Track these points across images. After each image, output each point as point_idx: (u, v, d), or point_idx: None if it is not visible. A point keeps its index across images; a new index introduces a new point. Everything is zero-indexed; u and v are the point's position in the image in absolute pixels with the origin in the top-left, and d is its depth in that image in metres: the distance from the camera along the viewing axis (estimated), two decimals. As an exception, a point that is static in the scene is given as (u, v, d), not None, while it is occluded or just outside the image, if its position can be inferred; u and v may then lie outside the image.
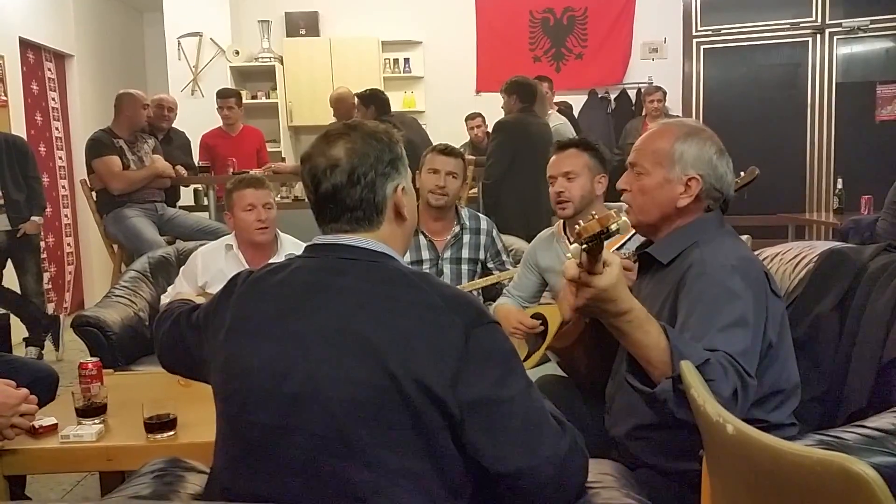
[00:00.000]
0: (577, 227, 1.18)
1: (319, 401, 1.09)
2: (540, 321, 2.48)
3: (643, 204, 1.60)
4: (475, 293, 3.02)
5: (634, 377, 1.35)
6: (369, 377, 1.08)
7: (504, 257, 3.08)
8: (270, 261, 2.72)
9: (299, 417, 1.10)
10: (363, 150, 1.23)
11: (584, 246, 1.19)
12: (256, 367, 1.15)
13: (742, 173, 1.90)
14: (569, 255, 1.22)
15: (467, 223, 3.01)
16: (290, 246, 2.87)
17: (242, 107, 5.65)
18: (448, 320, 1.12)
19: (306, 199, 1.30)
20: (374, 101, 4.95)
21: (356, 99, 5.05)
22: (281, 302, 1.19)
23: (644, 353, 1.31)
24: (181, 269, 2.96)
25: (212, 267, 2.83)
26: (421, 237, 2.95)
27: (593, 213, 1.19)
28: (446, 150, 2.91)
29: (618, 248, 2.22)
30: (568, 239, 2.52)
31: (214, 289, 2.76)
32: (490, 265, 3.05)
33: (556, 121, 5.13)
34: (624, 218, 1.15)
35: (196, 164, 5.26)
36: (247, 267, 2.76)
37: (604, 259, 1.25)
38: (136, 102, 4.48)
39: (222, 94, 5.48)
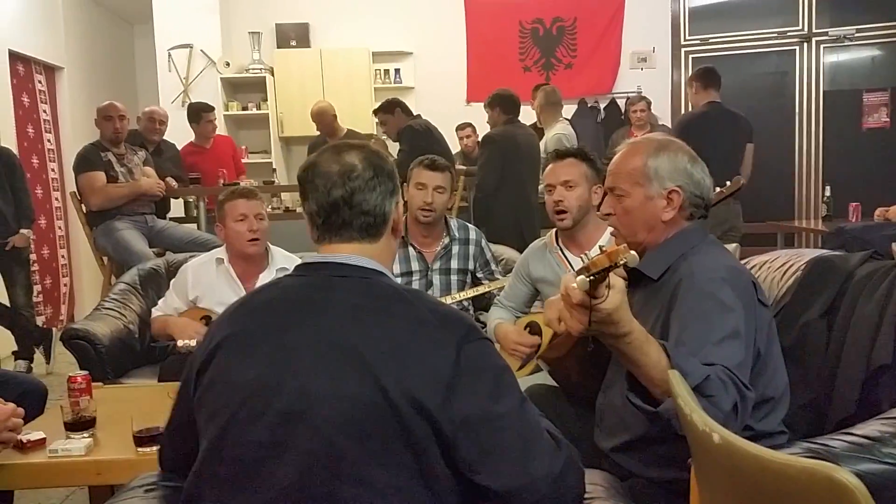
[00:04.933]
0: (583, 258, 1.18)
1: (310, 417, 1.07)
2: (532, 330, 2.48)
3: (629, 224, 1.61)
4: (465, 303, 3.02)
5: (636, 395, 1.34)
6: (361, 392, 1.07)
7: (493, 267, 3.08)
8: (262, 274, 2.75)
9: (290, 435, 1.08)
10: (377, 162, 1.27)
11: (592, 279, 1.20)
12: (245, 384, 1.13)
13: (728, 183, 1.92)
14: (574, 284, 1.23)
15: (456, 234, 3.01)
16: (282, 259, 2.85)
17: None
18: (440, 336, 1.12)
19: (305, 210, 1.28)
20: (397, 105, 4.96)
21: (376, 114, 5.06)
22: (271, 318, 1.18)
23: (645, 373, 1.31)
24: (171, 282, 2.94)
25: (202, 280, 2.81)
26: (410, 249, 2.95)
27: (601, 245, 1.20)
28: (433, 165, 2.88)
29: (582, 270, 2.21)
30: (561, 249, 2.52)
31: (205, 302, 2.77)
32: (479, 275, 3.05)
33: (559, 130, 5.15)
34: (633, 252, 1.16)
35: (186, 176, 5.25)
36: (237, 281, 2.76)
37: (608, 282, 1.24)
38: (98, 114, 4.42)
39: (207, 109, 5.48)
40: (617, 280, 1.26)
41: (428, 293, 2.79)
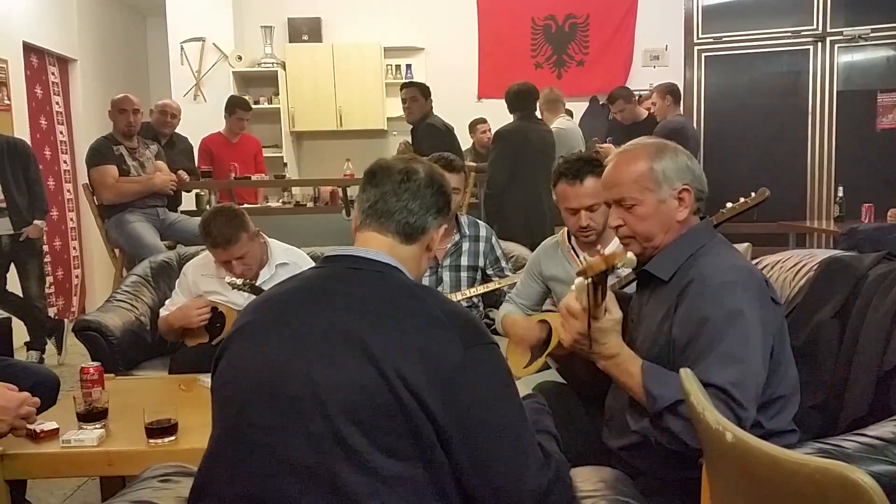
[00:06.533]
0: (582, 261, 1.22)
1: (316, 402, 1.10)
2: (545, 327, 2.48)
3: (647, 230, 1.58)
4: (475, 300, 3.02)
5: (634, 409, 1.48)
6: (365, 381, 1.09)
7: (503, 264, 3.07)
8: (262, 272, 2.76)
9: (297, 419, 1.11)
10: (438, 180, 1.34)
11: (589, 281, 1.22)
12: (257, 368, 1.17)
13: (753, 193, 1.91)
14: (572, 287, 1.26)
15: (467, 231, 3.00)
16: (281, 254, 2.85)
17: None
18: (447, 335, 1.13)
19: (358, 199, 1.34)
20: (430, 95, 4.98)
21: (408, 86, 5.06)
22: (285, 307, 1.23)
23: (630, 392, 1.47)
24: (176, 282, 2.96)
25: (204, 280, 2.83)
26: (420, 245, 2.94)
27: (598, 247, 1.24)
28: (450, 166, 2.82)
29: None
30: (573, 249, 2.50)
31: (211, 297, 2.79)
32: (489, 272, 3.04)
33: (557, 124, 5.13)
34: (630, 255, 1.18)
35: (198, 169, 5.28)
36: None
37: (606, 307, 1.37)
38: (113, 106, 4.44)
39: (244, 107, 5.57)
40: (615, 309, 1.41)
41: (439, 291, 2.79)
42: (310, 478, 1.09)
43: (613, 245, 2.38)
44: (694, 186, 1.58)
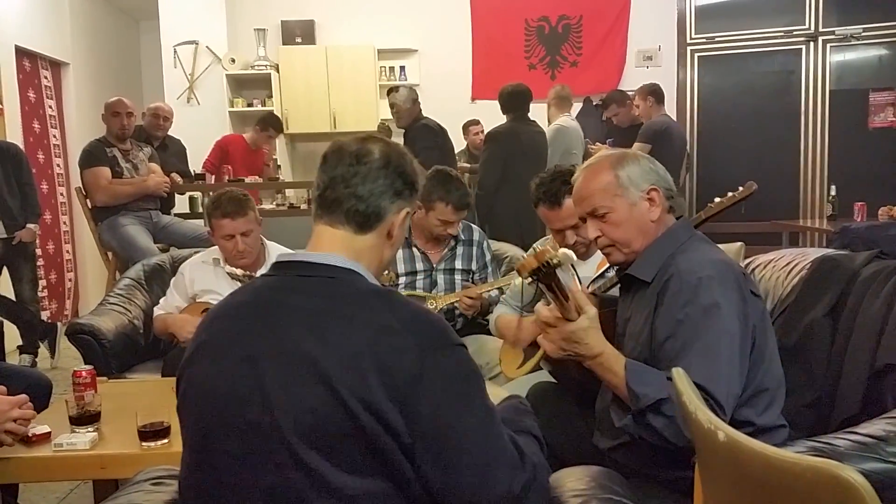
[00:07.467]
0: (518, 260, 1.25)
1: (275, 428, 1.06)
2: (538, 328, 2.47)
3: (624, 236, 1.62)
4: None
5: (619, 405, 1.49)
6: (319, 403, 1.04)
7: (489, 270, 3.08)
8: (259, 272, 2.75)
9: (259, 445, 1.07)
10: (396, 160, 1.24)
11: (529, 281, 1.24)
12: (215, 395, 1.12)
13: (741, 188, 1.92)
14: (515, 282, 1.28)
15: (461, 235, 3.00)
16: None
17: None
18: (402, 343, 1.07)
19: (313, 191, 1.26)
20: (417, 97, 4.98)
21: (394, 90, 5.04)
22: (238, 323, 1.17)
23: (616, 390, 1.48)
24: (172, 281, 2.95)
25: (201, 280, 2.83)
26: (415, 250, 2.95)
27: (535, 246, 1.27)
28: (460, 205, 2.79)
29: (595, 279, 2.20)
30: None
31: (206, 298, 2.78)
32: (476, 277, 3.04)
33: (559, 122, 5.15)
34: (562, 250, 1.20)
35: (192, 172, 5.28)
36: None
37: (579, 306, 1.40)
38: (106, 110, 4.47)
39: (280, 129, 5.74)
40: (590, 307, 1.42)
41: (405, 294, 2.78)
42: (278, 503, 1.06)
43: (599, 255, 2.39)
44: (661, 186, 1.62)
